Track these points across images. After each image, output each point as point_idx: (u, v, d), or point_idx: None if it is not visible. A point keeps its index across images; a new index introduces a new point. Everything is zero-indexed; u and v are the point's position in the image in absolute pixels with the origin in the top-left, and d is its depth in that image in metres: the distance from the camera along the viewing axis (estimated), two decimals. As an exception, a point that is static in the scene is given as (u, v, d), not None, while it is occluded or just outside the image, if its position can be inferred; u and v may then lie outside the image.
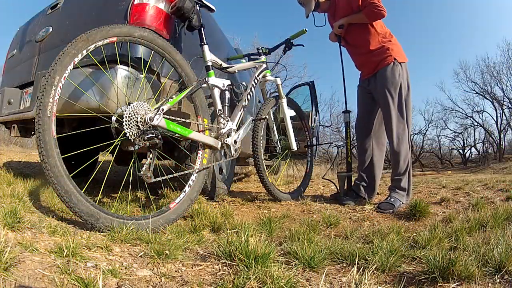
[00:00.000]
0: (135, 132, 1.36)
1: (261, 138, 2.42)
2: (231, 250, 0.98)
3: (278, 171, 4.44)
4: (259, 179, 2.38)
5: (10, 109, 2.01)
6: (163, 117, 1.44)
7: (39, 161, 1.23)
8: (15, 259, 0.77)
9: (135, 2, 1.66)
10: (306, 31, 2.37)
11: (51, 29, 2.01)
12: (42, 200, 1.56)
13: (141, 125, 1.37)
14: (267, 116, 2.38)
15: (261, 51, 2.43)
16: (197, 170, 1.64)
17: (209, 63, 1.82)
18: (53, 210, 1.43)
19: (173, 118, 1.52)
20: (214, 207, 2.10)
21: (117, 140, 1.36)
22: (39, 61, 2.01)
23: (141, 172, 1.39)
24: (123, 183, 1.84)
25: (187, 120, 1.65)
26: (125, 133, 1.33)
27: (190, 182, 1.61)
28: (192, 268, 0.98)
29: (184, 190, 1.58)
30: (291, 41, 2.48)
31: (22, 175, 2.14)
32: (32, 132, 2.27)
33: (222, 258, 1.00)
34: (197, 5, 1.79)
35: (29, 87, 1.96)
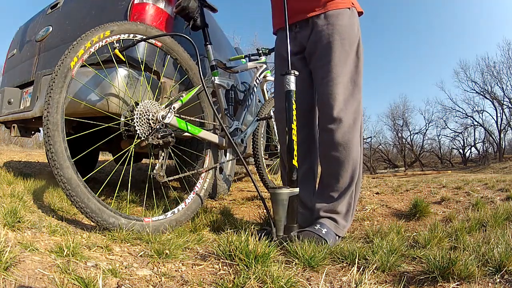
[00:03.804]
0: (146, 130, 1.36)
1: (261, 137, 2.42)
2: (231, 250, 0.98)
3: (278, 170, 4.45)
4: (259, 178, 2.39)
5: (10, 109, 2.01)
6: (174, 115, 1.45)
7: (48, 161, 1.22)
8: (15, 258, 0.77)
9: (135, 2, 1.66)
10: None
11: (51, 29, 2.01)
12: (42, 200, 1.56)
13: (153, 123, 1.38)
14: (272, 115, 2.39)
15: (261, 51, 2.44)
16: (206, 169, 1.65)
17: (214, 63, 1.82)
18: (53, 210, 1.43)
19: (183, 116, 1.53)
20: (214, 207, 2.10)
21: (134, 142, 1.36)
22: (39, 61, 2.01)
23: (154, 172, 1.40)
24: (129, 184, 1.84)
25: (196, 119, 1.65)
26: (137, 132, 1.34)
27: (200, 180, 1.61)
28: (192, 267, 0.98)
29: (194, 189, 1.58)
30: None
31: (22, 175, 2.14)
32: (32, 132, 2.28)
33: (222, 257, 1.00)
34: (201, 5, 1.79)
35: (29, 87, 1.96)
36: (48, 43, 1.98)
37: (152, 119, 1.38)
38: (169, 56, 1.60)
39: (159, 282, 0.86)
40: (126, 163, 1.46)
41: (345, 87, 1.40)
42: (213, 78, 1.78)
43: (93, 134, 1.63)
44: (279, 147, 2.73)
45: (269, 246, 1.00)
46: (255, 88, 2.16)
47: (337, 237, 1.37)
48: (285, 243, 1.17)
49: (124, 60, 1.44)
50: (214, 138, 1.67)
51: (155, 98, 1.59)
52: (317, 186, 1.55)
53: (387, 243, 1.17)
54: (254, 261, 0.94)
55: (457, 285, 0.88)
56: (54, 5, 2.12)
